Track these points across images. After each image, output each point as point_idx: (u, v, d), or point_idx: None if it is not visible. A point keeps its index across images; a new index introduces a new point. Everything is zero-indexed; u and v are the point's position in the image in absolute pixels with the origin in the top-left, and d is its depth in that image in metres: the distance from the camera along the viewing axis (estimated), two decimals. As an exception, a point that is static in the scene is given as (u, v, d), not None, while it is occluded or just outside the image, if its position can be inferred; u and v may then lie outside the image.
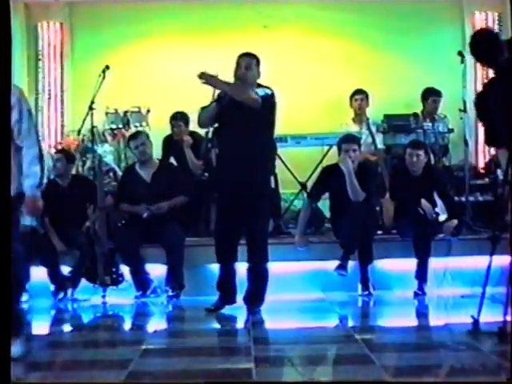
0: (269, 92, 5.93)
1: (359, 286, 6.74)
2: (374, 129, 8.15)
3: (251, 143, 5.82)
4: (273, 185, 6.38)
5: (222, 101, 5.86)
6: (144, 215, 6.91)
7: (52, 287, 6.88)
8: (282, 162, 7.76)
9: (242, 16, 9.47)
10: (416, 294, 6.64)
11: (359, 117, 8.57)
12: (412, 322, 6.06)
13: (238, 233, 5.97)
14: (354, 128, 8.36)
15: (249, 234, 5.94)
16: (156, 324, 6.05)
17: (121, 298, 6.75)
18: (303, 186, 7.79)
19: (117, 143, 8.68)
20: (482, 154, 9.36)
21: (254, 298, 5.96)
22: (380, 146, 8.11)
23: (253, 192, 5.87)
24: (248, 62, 5.90)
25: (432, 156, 7.59)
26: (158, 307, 6.56)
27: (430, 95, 8.52)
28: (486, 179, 8.37)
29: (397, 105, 8.66)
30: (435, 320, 6.06)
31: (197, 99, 6.13)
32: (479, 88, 9.49)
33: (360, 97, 8.63)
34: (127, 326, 6.24)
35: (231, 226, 5.92)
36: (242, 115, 5.76)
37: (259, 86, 5.93)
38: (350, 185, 6.76)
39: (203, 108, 5.97)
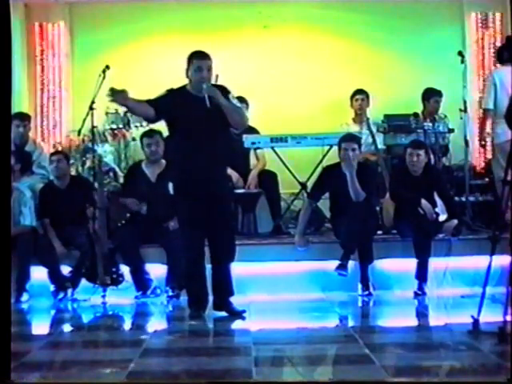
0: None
1: (359, 286, 6.74)
2: (374, 129, 8.15)
3: (216, 146, 5.83)
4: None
5: (185, 100, 5.80)
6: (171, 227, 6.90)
7: (52, 287, 6.88)
8: (282, 161, 7.76)
9: (242, 16, 9.47)
10: (416, 294, 6.64)
11: (359, 117, 8.58)
12: (412, 321, 6.06)
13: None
14: (354, 128, 8.37)
15: (215, 234, 5.88)
16: (156, 324, 6.05)
17: (121, 297, 6.75)
18: (303, 185, 7.79)
19: (117, 143, 8.68)
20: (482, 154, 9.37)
21: (225, 293, 5.90)
22: (380, 146, 8.11)
23: (218, 192, 5.87)
24: (209, 64, 5.81)
25: (432, 156, 7.59)
26: (157, 307, 6.56)
27: (433, 95, 8.50)
28: (486, 179, 8.37)
29: (397, 105, 8.66)
30: (435, 320, 6.06)
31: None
32: (479, 88, 9.51)
33: (360, 97, 8.64)
34: (127, 326, 6.24)
35: (199, 226, 5.85)
36: (208, 117, 5.74)
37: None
38: (352, 187, 6.76)
39: (150, 100, 5.81)
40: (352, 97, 8.69)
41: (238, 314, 5.84)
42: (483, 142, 8.17)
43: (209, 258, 5.94)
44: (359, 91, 8.66)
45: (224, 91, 5.81)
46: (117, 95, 5.60)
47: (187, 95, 5.83)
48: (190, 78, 5.84)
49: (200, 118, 5.74)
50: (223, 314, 5.88)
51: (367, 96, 8.68)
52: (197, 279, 5.90)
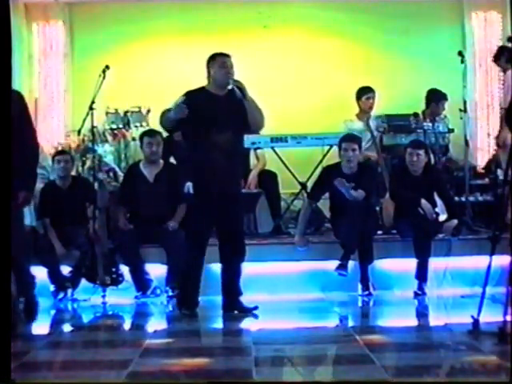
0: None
1: (359, 286, 6.74)
2: (373, 127, 8.11)
3: (233, 146, 5.88)
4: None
5: (202, 102, 5.84)
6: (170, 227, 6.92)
7: (52, 287, 6.88)
8: (282, 161, 7.76)
9: (242, 16, 9.47)
10: (416, 294, 6.64)
11: (367, 115, 8.46)
12: (412, 322, 6.06)
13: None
14: (357, 124, 8.28)
15: (229, 234, 5.94)
16: (156, 324, 6.05)
17: (121, 297, 6.75)
18: (303, 186, 7.79)
19: (117, 143, 8.68)
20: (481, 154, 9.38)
21: (235, 292, 5.95)
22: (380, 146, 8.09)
23: (234, 192, 5.94)
24: (232, 62, 5.87)
25: (432, 156, 7.58)
26: (157, 307, 6.57)
27: (440, 98, 8.41)
28: (486, 179, 8.37)
29: (397, 105, 8.65)
30: (435, 320, 6.06)
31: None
32: (479, 88, 9.52)
33: (372, 95, 8.49)
34: (127, 326, 6.25)
35: (210, 226, 5.91)
36: (228, 117, 5.80)
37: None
38: (350, 198, 6.76)
39: (168, 110, 5.89)
40: (362, 95, 8.49)
41: (250, 311, 5.88)
42: (501, 144, 7.60)
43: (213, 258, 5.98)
44: (370, 89, 8.49)
45: None
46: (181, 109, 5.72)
47: (207, 95, 5.87)
48: (213, 76, 5.87)
49: (220, 118, 5.79)
50: (223, 314, 5.89)
51: (375, 94, 8.56)
52: (196, 278, 5.92)
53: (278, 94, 9.23)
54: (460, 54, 7.75)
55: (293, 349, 4.79)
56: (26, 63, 9.43)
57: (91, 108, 7.26)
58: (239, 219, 6.06)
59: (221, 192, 5.80)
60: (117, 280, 6.77)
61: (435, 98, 8.46)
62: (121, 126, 8.65)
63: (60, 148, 8.47)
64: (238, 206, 6.03)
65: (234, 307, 5.92)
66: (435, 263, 6.73)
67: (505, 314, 4.65)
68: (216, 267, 6.14)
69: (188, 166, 6.15)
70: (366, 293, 6.70)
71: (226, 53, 5.92)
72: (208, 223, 5.88)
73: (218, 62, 5.85)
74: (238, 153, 6.03)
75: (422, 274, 6.70)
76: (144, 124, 8.56)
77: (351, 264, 6.67)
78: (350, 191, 6.73)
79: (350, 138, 7.03)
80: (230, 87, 5.82)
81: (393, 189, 7.19)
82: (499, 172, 7.80)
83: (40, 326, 6.17)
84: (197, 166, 5.97)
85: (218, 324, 5.82)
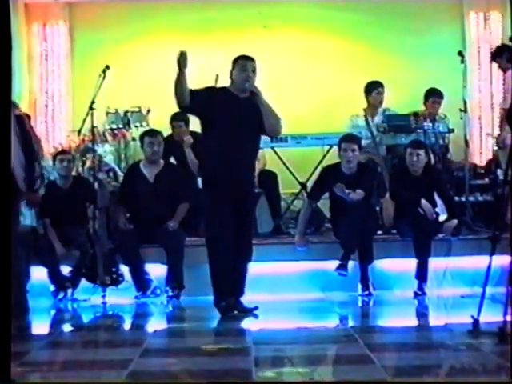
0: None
1: (359, 286, 6.75)
2: (377, 122, 8.10)
3: (249, 147, 5.93)
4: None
5: (221, 99, 5.85)
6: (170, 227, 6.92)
7: (52, 287, 6.88)
8: (282, 161, 7.76)
9: (242, 16, 9.48)
10: (416, 294, 6.65)
11: (376, 110, 8.36)
12: (412, 322, 6.06)
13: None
14: (363, 120, 8.24)
15: (239, 233, 5.93)
16: (156, 324, 6.05)
17: (121, 297, 6.75)
18: (303, 186, 7.79)
19: (117, 143, 8.69)
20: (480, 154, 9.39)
21: (238, 293, 5.95)
22: (380, 145, 8.08)
23: (249, 192, 6.02)
24: (254, 66, 5.91)
25: (432, 156, 7.58)
26: (157, 307, 6.57)
27: (431, 96, 8.42)
28: (486, 179, 8.37)
29: (397, 105, 8.65)
30: (435, 320, 6.06)
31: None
32: (479, 88, 9.52)
33: (382, 90, 8.37)
34: (127, 326, 6.25)
35: (230, 223, 5.90)
36: (246, 119, 5.83)
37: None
38: (351, 202, 6.75)
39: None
40: (372, 90, 8.34)
41: (250, 312, 5.88)
42: (501, 145, 7.56)
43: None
44: (380, 84, 8.38)
45: None
46: (183, 59, 5.63)
47: (228, 94, 5.90)
48: (234, 79, 5.92)
49: (238, 118, 5.81)
50: (223, 314, 5.89)
51: (384, 89, 8.50)
52: (227, 277, 5.89)
53: (277, 94, 9.12)
54: (460, 53, 7.76)
55: (293, 349, 4.78)
56: (26, 63, 9.43)
57: (91, 108, 7.26)
58: (250, 219, 6.11)
59: (237, 191, 5.82)
60: (117, 280, 6.77)
61: (427, 96, 8.43)
62: (121, 126, 8.66)
63: (60, 148, 8.48)
64: (250, 206, 6.11)
65: (235, 307, 5.92)
66: (435, 263, 6.74)
67: (505, 314, 4.64)
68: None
69: (204, 163, 6.15)
70: (366, 293, 6.70)
71: (251, 56, 5.94)
72: (228, 221, 5.82)
73: (239, 64, 5.90)
74: (254, 154, 6.09)
75: (421, 273, 6.71)
76: (144, 124, 8.57)
77: (351, 264, 6.68)
78: (350, 196, 6.73)
79: (349, 139, 7.03)
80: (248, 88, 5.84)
81: (393, 189, 7.19)
82: (499, 172, 7.81)
83: (40, 326, 6.18)
84: (208, 162, 5.99)
85: (218, 324, 5.81)
